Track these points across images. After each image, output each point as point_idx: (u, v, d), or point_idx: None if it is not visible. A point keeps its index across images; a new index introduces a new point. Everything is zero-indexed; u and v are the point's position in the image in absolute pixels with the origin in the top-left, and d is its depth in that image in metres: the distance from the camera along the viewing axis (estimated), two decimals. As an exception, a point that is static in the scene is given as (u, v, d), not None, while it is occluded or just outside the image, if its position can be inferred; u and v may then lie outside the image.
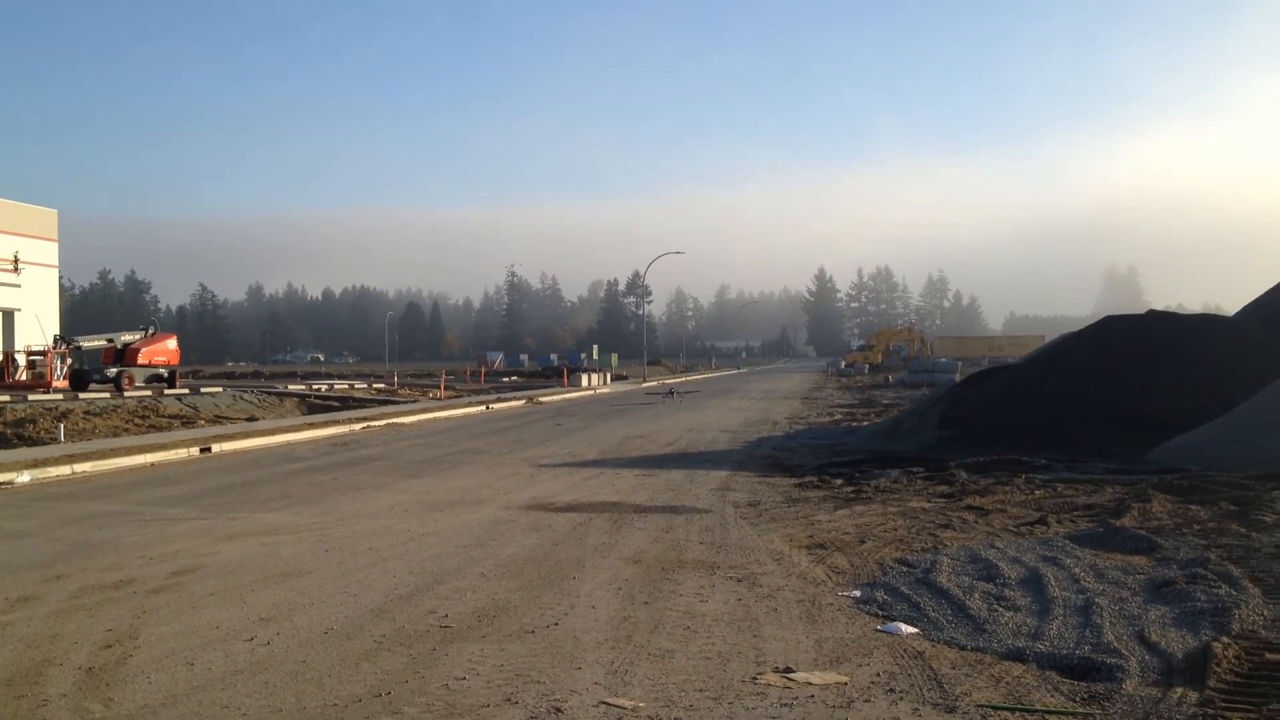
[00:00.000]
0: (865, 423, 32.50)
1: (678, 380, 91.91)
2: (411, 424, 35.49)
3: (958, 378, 46.38)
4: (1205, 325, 26.03)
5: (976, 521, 13.62)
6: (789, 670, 7.49)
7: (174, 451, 24.42)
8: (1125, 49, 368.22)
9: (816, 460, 21.80)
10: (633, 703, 6.79)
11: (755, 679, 7.30)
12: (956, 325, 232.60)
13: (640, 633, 8.51)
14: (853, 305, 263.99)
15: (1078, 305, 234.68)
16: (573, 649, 8.05)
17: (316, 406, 44.69)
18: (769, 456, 23.12)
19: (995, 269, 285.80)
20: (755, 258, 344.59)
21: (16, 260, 64.39)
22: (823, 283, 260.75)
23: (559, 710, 6.67)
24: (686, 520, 14.37)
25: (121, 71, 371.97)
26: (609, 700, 6.84)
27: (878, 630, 8.60)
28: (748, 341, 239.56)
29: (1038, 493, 15.90)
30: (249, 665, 7.69)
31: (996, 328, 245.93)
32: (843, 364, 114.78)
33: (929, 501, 15.54)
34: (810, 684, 7.19)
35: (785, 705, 6.76)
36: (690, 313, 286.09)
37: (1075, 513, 14.02)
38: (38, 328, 57.13)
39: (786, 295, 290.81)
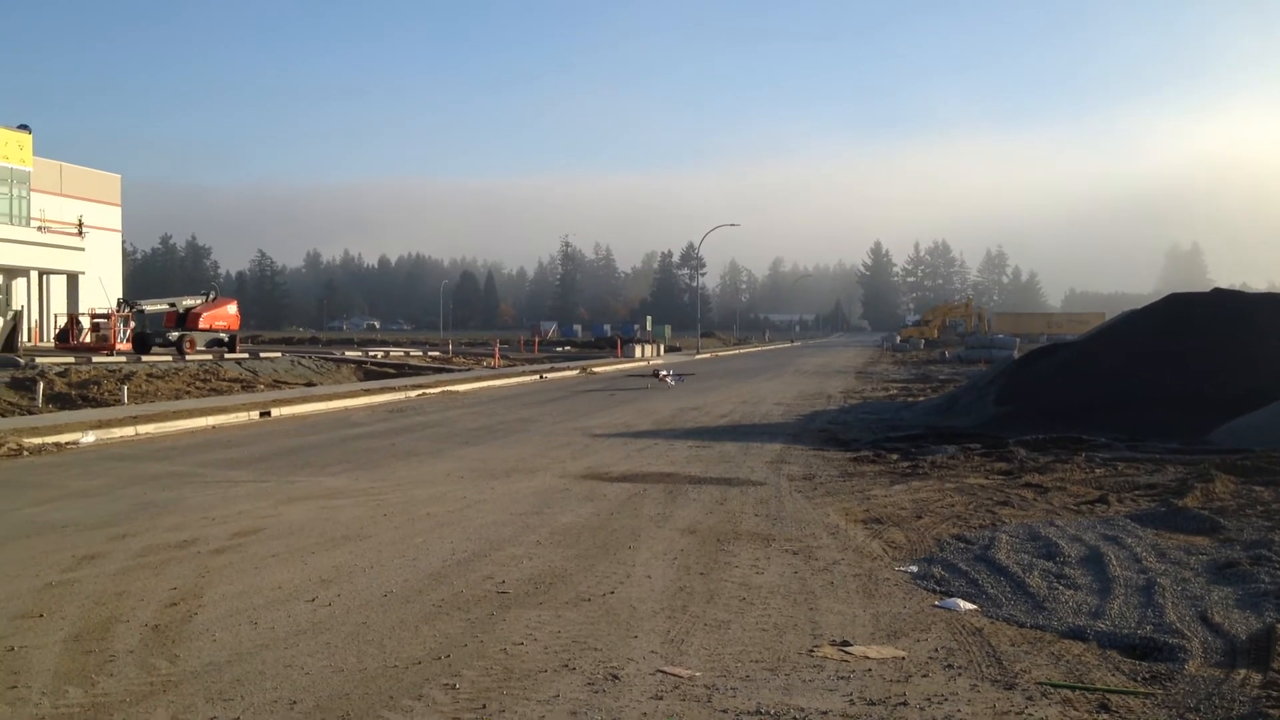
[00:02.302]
0: (921, 398, 32.29)
1: (732, 352, 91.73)
2: (467, 392, 35.71)
3: (1016, 354, 45.90)
4: (1271, 304, 25.53)
5: (1035, 499, 13.51)
6: (846, 643, 7.48)
7: (234, 415, 24.76)
8: (1198, 20, 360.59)
9: (871, 435, 21.70)
10: (689, 672, 6.82)
11: (812, 651, 7.30)
12: (1015, 301, 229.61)
13: (696, 603, 8.53)
14: (909, 280, 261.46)
15: (1139, 283, 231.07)
16: (629, 617, 8.09)
17: (372, 373, 45.04)
18: (823, 430, 23.04)
19: (1055, 245, 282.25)
20: (810, 230, 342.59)
21: (81, 224, 65.32)
22: (879, 256, 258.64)
23: (615, 678, 6.71)
24: (741, 492, 14.38)
25: (185, 37, 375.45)
26: (665, 669, 6.87)
27: (935, 606, 8.56)
28: (801, 315, 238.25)
29: (1098, 471, 15.72)
30: (311, 626, 7.80)
31: (1055, 305, 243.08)
32: (898, 339, 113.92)
33: (986, 478, 15.43)
34: (867, 657, 7.18)
35: (842, 678, 6.76)
36: (744, 285, 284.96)
37: (1136, 492, 13.87)
38: (101, 291, 58.04)
39: (842, 269, 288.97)
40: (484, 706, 6.16)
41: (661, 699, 6.31)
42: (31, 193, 61.69)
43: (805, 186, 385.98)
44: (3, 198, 59.08)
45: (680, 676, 6.72)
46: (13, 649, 7.19)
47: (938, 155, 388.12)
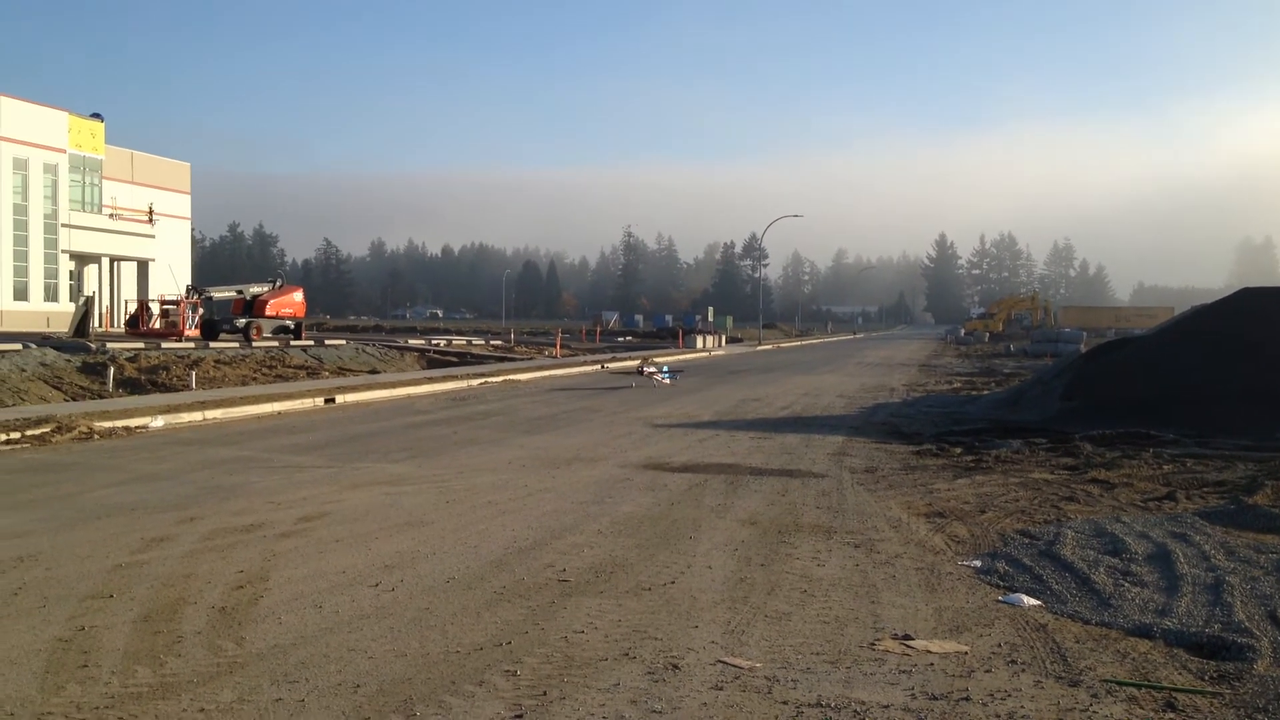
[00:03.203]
0: (985, 392, 31.93)
1: (794, 344, 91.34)
2: (528, 381, 35.86)
3: (1083, 348, 45.27)
4: (1349, 300, 24.90)
5: (1101, 495, 13.32)
6: (908, 637, 7.43)
7: (300, 401, 25.07)
8: (1270, 10, 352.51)
9: (935, 428, 21.51)
10: (750, 663, 6.80)
11: (873, 645, 7.26)
12: (1082, 295, 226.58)
13: (757, 594, 8.51)
14: (973, 272, 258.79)
15: (1210, 277, 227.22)
16: (689, 608, 8.09)
17: (435, 361, 45.36)
18: (886, 423, 22.89)
19: (1124, 238, 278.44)
20: (874, 222, 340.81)
21: (151, 212, 66.45)
22: (943, 249, 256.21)
23: (676, 667, 6.71)
24: (802, 484, 14.32)
25: (253, 27, 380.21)
26: (726, 659, 6.86)
27: (999, 601, 8.48)
28: (864, 307, 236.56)
29: (1165, 468, 15.47)
30: (374, 610, 7.88)
31: (1124, 298, 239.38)
32: (962, 332, 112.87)
33: (1052, 473, 15.24)
34: (929, 652, 7.13)
35: (904, 672, 6.71)
36: (806, 276, 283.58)
37: (1205, 489, 13.63)
38: (171, 278, 58.94)
39: (905, 261, 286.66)
40: (544, 694, 6.19)
41: (722, 689, 6.31)
42: (104, 180, 62.92)
43: (869, 177, 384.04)
44: (76, 185, 60.26)
45: (741, 667, 6.71)
46: (83, 629, 7.33)
47: (1003, 146, 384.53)
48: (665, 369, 35.57)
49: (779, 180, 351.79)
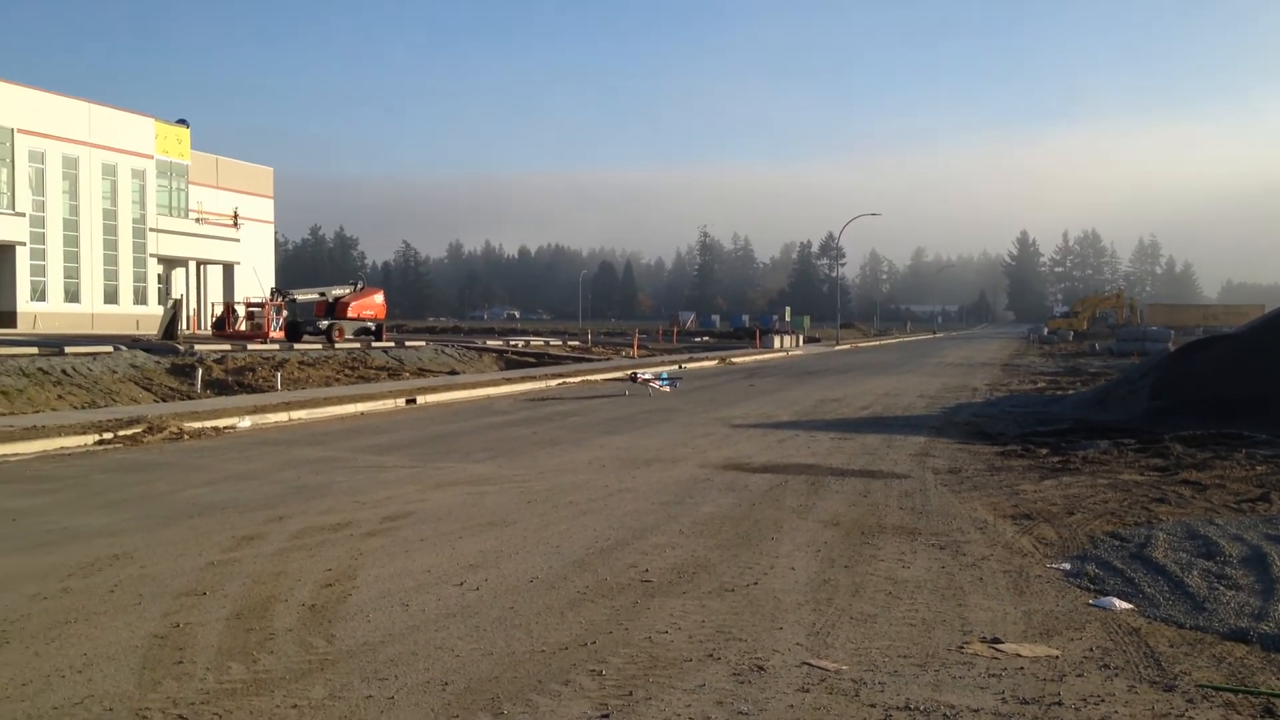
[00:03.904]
0: (1070, 391, 31.41)
1: (872, 343, 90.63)
2: (606, 381, 35.96)
3: (1171, 347, 44.38)
4: None
5: (1193, 497, 13.04)
6: (996, 640, 7.33)
7: (382, 402, 25.39)
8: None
9: (1019, 428, 21.21)
10: (836, 665, 6.76)
11: (961, 648, 7.17)
12: (1168, 293, 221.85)
13: (841, 596, 8.45)
14: (1056, 270, 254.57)
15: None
16: (773, 609, 8.05)
17: (513, 362, 45.70)
18: (969, 423, 22.61)
19: (1211, 234, 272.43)
20: (954, 220, 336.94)
21: (236, 216, 67.71)
22: (1025, 246, 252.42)
23: (761, 669, 6.68)
24: (885, 485, 14.19)
25: (333, 35, 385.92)
26: (812, 661, 6.82)
27: (1089, 604, 8.33)
28: (944, 306, 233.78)
29: (1259, 469, 15.09)
30: (460, 609, 7.95)
31: (1212, 296, 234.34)
32: (1045, 331, 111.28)
33: (1141, 474, 14.94)
34: (1019, 655, 7.03)
35: (993, 675, 6.62)
36: (885, 275, 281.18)
37: (1301, 491, 13.28)
38: (255, 281, 60.03)
39: (986, 259, 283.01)
40: (630, 694, 6.20)
41: (808, 691, 6.27)
42: (190, 185, 64.20)
43: (948, 175, 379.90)
44: (163, 190, 61.59)
45: (827, 669, 6.67)
46: (178, 625, 7.48)
47: (1087, 141, 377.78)
48: (664, 376, 31.79)
49: (856, 178, 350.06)
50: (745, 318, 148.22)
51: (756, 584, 8.80)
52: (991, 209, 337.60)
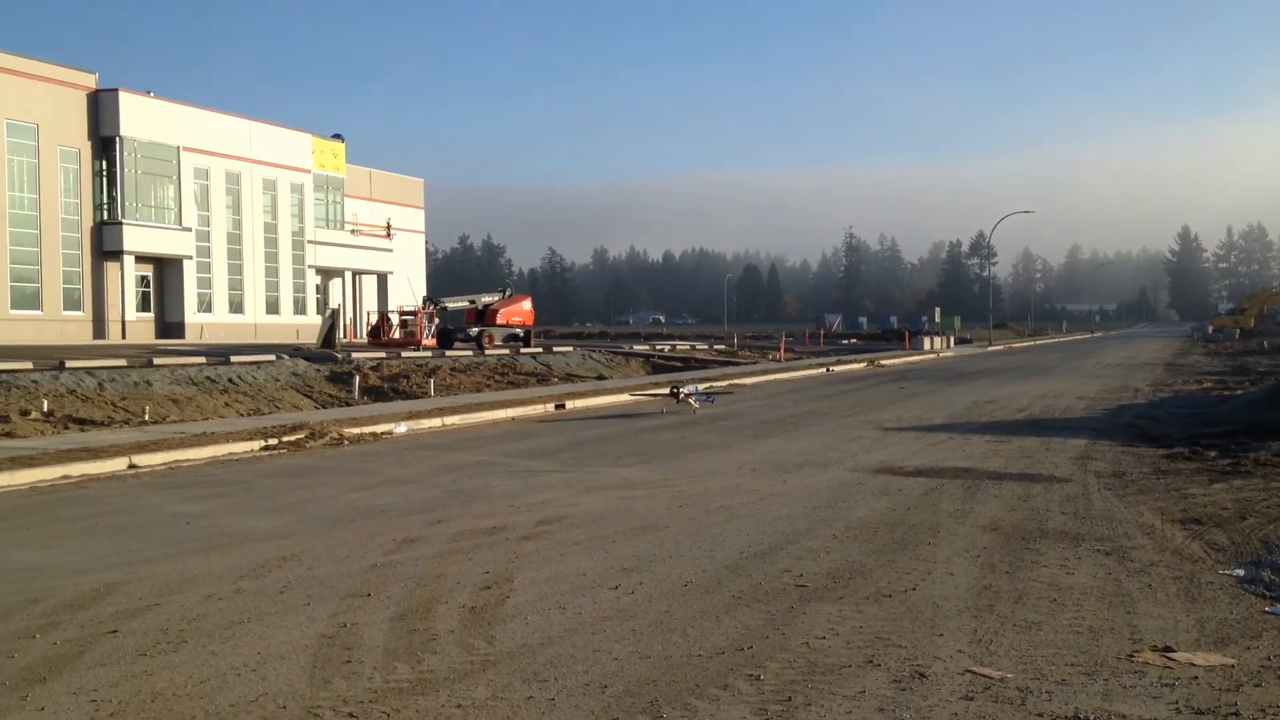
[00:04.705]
0: (1238, 391, 30.11)
1: (1026, 344, 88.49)
2: (753, 385, 35.86)
3: (1346, 344, 42.24)
4: None
5: (1377, 501, 12.38)
6: (1168, 649, 7.07)
7: (531, 407, 25.75)
8: None
9: (1185, 430, 20.41)
10: (1000, 673, 6.59)
11: (1131, 656, 6.93)
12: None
13: (1003, 602, 8.25)
14: (1220, 266, 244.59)
15: None
16: (933, 615, 7.90)
17: (659, 366, 45.88)
18: (1131, 425, 21.87)
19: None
20: (1110, 216, 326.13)
21: (389, 227, 69.57)
22: (1186, 241, 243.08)
23: (922, 676, 6.56)
24: (1045, 489, 13.81)
25: (475, 44, 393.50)
26: (975, 669, 6.67)
27: (1265, 612, 7.99)
28: (1101, 304, 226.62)
29: None
30: (616, 612, 8.00)
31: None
32: (1209, 329, 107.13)
33: (1319, 477, 14.25)
34: (1193, 664, 6.76)
35: (1166, 685, 6.38)
36: (1038, 274, 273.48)
37: None
38: (408, 289, 61.51)
39: (1145, 255, 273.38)
40: (789, 699, 6.14)
41: (972, 700, 6.13)
42: (345, 198, 66.15)
43: (1104, 169, 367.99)
44: (320, 203, 63.61)
45: (991, 677, 6.51)
46: (345, 626, 7.69)
47: (1249, 132, 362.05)
48: (696, 390, 27.89)
49: (1006, 175, 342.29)
50: (893, 319, 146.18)
51: (914, 589, 8.65)
52: (1150, 203, 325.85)
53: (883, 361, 52.32)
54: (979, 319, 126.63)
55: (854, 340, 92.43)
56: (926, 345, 69.67)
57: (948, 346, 73.91)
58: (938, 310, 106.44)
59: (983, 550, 10.13)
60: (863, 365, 49.38)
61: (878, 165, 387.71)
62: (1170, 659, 6.88)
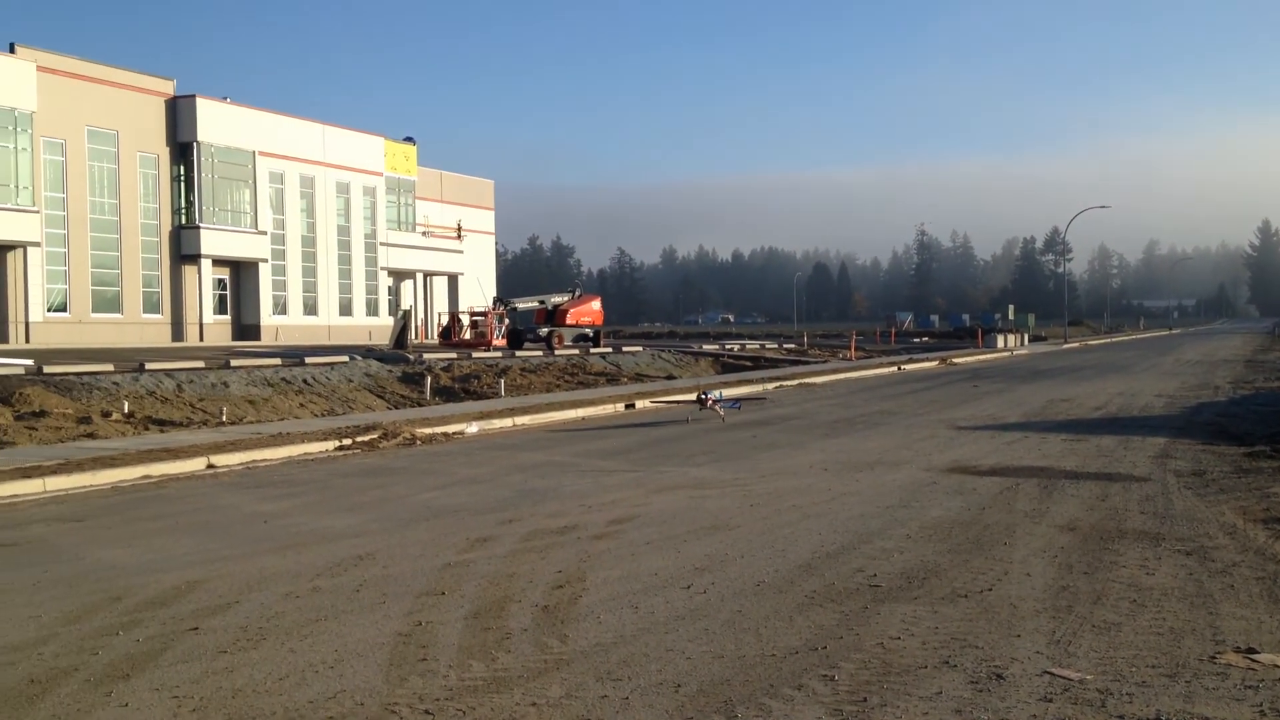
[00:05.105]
0: (1323, 388, 29.46)
1: (1102, 341, 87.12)
2: (823, 384, 35.67)
3: None
4: None
5: None
6: (1252, 650, 6.92)
7: (601, 407, 25.81)
8: None
9: (1267, 428, 19.99)
10: (1079, 674, 6.50)
11: (1214, 658, 6.80)
12: None
13: (1081, 603, 8.13)
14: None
15: None
16: (1009, 616, 7.80)
17: (729, 366, 45.79)
18: (1211, 423, 21.45)
19: None
20: (1189, 210, 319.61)
21: (460, 228, 70.16)
22: (1267, 236, 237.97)
23: (1000, 677, 6.48)
24: (1123, 488, 13.59)
25: (546, 47, 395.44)
26: (1053, 670, 6.58)
27: (1356, 615, 7.79)
28: (1179, 300, 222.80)
29: None
30: (688, 612, 8.00)
31: None
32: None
33: None
34: (1276, 666, 6.63)
35: (1250, 687, 6.26)
36: (1115, 270, 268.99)
37: None
38: (478, 290, 61.97)
39: (1225, 250, 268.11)
40: (864, 700, 6.10)
41: (1051, 701, 6.05)
42: (416, 200, 66.83)
43: (1182, 162, 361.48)
44: (392, 205, 64.35)
45: (1070, 679, 6.42)
46: (420, 624, 7.77)
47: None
48: (720, 396, 25.99)
49: (1081, 169, 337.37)
50: (965, 317, 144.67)
51: (990, 590, 8.55)
52: (1230, 197, 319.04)
53: (955, 360, 51.78)
54: (1054, 316, 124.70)
55: (925, 338, 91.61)
56: (1000, 343, 68.84)
57: (1021, 344, 72.95)
58: (1011, 308, 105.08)
59: (1060, 550, 9.99)
60: (934, 363, 48.90)
61: (949, 162, 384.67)
62: (1254, 660, 6.74)
